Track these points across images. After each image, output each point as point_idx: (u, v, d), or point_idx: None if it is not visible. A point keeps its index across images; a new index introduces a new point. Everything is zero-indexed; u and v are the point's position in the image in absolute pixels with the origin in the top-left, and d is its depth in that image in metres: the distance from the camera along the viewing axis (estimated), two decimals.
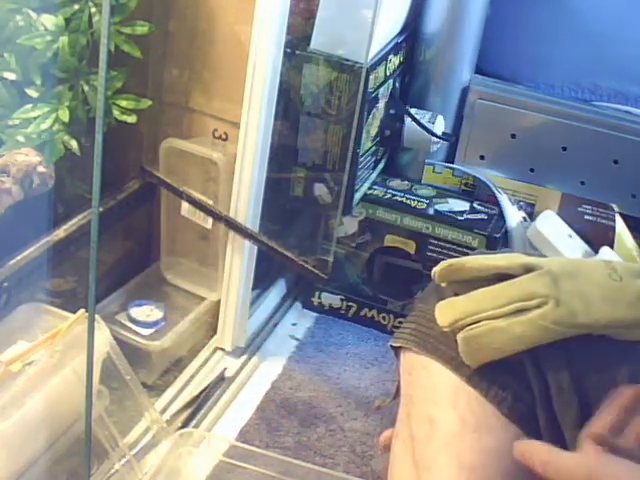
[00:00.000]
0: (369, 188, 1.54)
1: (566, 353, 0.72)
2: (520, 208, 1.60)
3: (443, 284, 0.78)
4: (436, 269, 0.78)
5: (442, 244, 1.48)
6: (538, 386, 0.72)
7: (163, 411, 1.29)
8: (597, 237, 1.56)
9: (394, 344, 0.82)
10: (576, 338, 0.72)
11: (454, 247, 1.47)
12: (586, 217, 1.58)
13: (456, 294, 0.77)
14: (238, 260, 1.36)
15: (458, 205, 1.53)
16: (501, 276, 0.76)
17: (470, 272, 0.76)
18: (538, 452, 0.65)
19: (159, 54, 1.35)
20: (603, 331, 0.72)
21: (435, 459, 0.72)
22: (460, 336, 0.73)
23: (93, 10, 1.18)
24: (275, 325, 1.56)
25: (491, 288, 0.75)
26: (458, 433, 0.72)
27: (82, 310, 1.12)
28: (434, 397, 0.75)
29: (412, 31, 1.59)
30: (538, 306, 0.72)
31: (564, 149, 1.61)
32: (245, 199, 1.31)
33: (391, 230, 1.51)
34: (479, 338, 0.72)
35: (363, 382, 1.44)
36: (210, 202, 1.35)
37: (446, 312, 0.75)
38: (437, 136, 1.56)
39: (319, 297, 1.61)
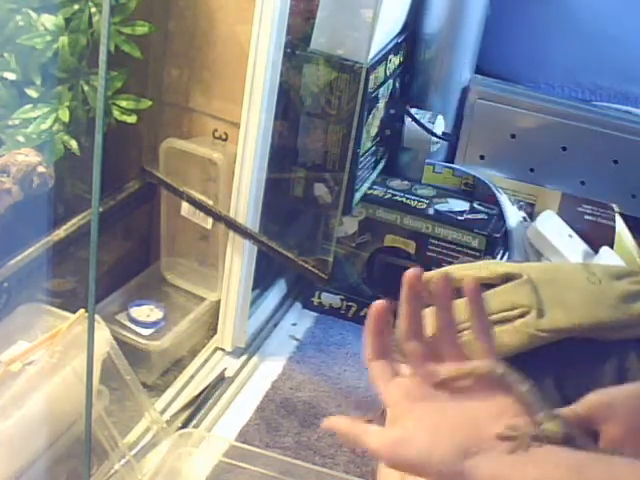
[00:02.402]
0: (369, 188, 1.54)
1: (550, 357, 0.73)
2: (520, 208, 1.60)
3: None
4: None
5: (442, 244, 1.48)
6: None
7: (163, 411, 1.29)
8: (597, 237, 1.56)
9: None
10: (560, 341, 0.73)
11: (454, 247, 1.47)
12: (586, 217, 1.58)
13: None
14: (238, 260, 1.36)
15: (458, 205, 1.53)
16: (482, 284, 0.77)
17: (452, 283, 0.77)
18: (346, 426, 0.65)
19: (159, 54, 1.35)
20: (586, 333, 0.74)
21: None
22: None
23: (93, 10, 1.18)
24: (275, 325, 1.56)
25: None
26: None
27: (82, 310, 1.12)
28: None
29: (412, 31, 1.59)
30: (521, 315, 0.74)
31: (564, 149, 1.61)
32: (245, 199, 1.31)
33: (391, 230, 1.51)
34: (465, 346, 0.73)
35: (363, 382, 1.44)
36: (210, 202, 1.35)
37: (430, 322, 0.76)
38: (437, 136, 1.56)
39: (319, 297, 1.61)
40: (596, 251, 1.54)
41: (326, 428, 0.68)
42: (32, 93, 1.18)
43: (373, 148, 1.51)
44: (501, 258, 1.50)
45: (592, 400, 0.66)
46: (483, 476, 0.57)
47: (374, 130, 1.49)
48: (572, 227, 1.58)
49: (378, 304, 0.69)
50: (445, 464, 0.58)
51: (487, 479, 0.57)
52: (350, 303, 1.59)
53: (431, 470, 0.59)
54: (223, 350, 1.44)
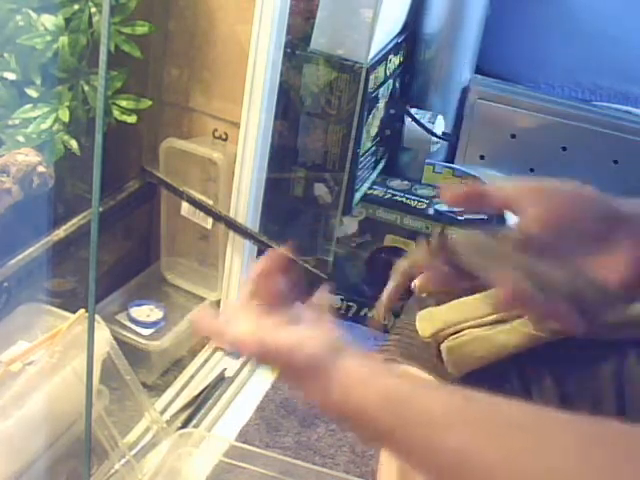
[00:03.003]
0: (369, 188, 1.54)
1: (549, 357, 0.73)
2: None
3: (423, 295, 0.79)
4: (416, 281, 0.79)
5: None
6: (520, 392, 0.72)
7: (163, 411, 1.29)
8: None
9: None
10: (560, 341, 0.73)
11: None
12: None
13: (437, 304, 0.78)
14: (238, 260, 1.36)
15: None
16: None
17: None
18: (212, 325, 0.64)
19: (159, 54, 1.35)
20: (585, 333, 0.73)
21: None
22: (444, 346, 0.74)
23: (93, 10, 1.18)
24: None
25: (470, 298, 0.76)
26: None
27: (82, 310, 1.12)
28: None
29: (412, 31, 1.59)
30: (519, 315, 0.74)
31: (564, 149, 1.61)
32: (245, 199, 1.31)
33: (391, 230, 1.51)
34: (463, 347, 0.73)
35: None
36: (210, 202, 1.35)
37: (427, 322, 0.77)
38: (437, 136, 1.56)
39: None
40: None
41: (193, 322, 0.67)
42: (32, 93, 1.18)
43: (373, 148, 1.51)
44: None
45: (526, 183, 0.65)
46: (351, 374, 0.56)
47: (374, 130, 1.49)
48: None
49: (276, 252, 0.68)
50: (318, 351, 0.57)
51: (353, 378, 0.56)
52: (350, 303, 1.59)
53: (298, 359, 0.58)
54: (223, 350, 1.44)
